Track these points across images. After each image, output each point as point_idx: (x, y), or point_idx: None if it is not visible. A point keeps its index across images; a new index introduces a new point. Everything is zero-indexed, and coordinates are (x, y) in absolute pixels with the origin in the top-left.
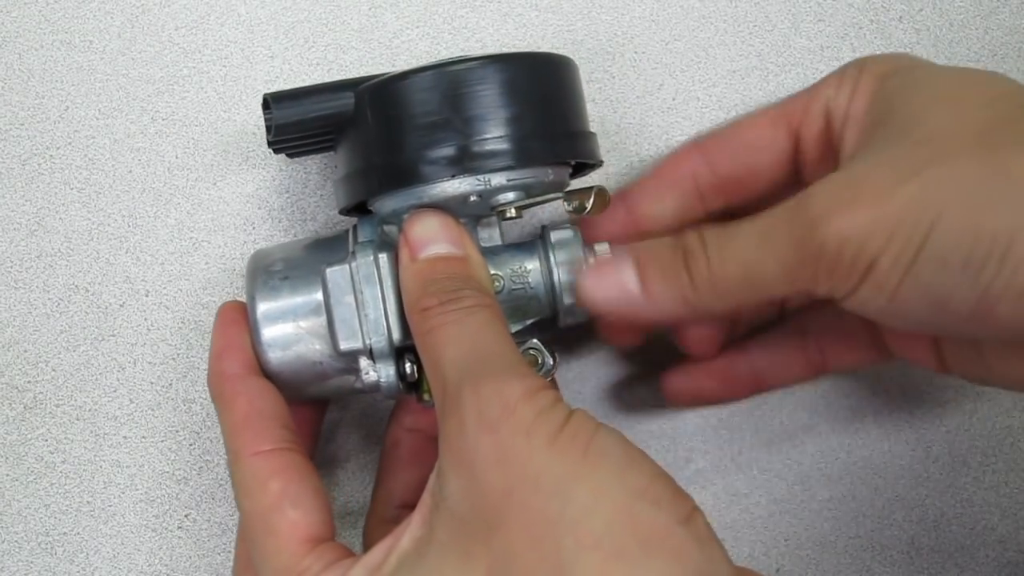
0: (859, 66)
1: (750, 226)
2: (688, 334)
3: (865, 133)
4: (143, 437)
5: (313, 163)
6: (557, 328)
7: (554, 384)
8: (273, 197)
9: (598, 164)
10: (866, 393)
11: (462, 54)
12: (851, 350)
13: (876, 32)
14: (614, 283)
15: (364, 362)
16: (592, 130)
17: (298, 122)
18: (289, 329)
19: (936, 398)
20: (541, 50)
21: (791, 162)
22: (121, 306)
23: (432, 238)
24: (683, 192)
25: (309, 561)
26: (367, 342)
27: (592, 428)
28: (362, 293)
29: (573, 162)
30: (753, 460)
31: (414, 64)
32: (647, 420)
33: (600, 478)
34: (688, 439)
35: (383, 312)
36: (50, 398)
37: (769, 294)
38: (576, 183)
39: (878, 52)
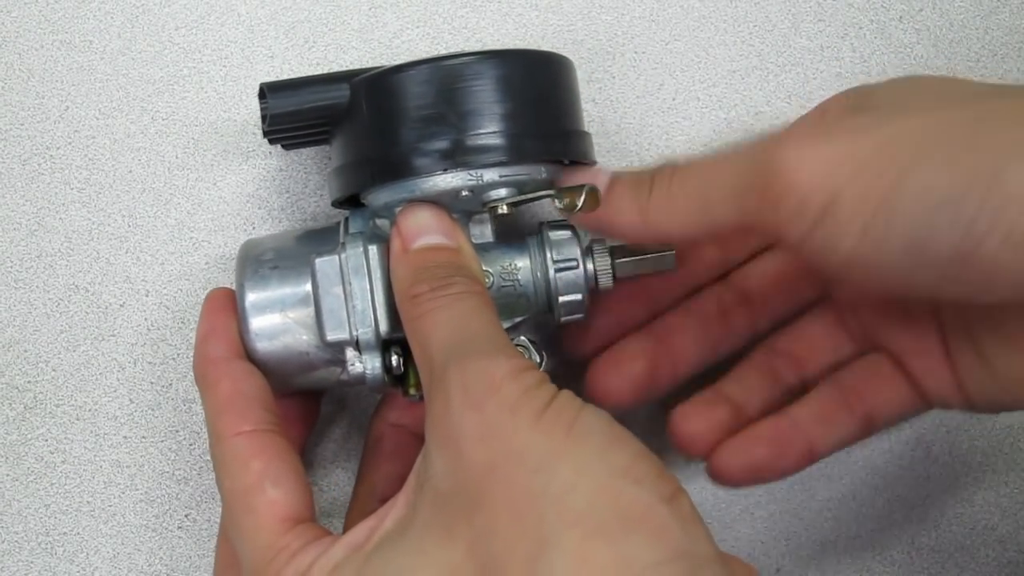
0: (821, 108)
1: (717, 153)
2: (680, 428)
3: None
4: (143, 437)
5: (313, 163)
6: (554, 327)
7: None
8: (273, 197)
9: (591, 164)
10: None
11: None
12: (891, 397)
13: (876, 32)
14: (585, 180)
15: (350, 353)
16: (587, 130)
17: (293, 112)
18: (277, 319)
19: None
20: (538, 48)
21: None
22: (121, 306)
23: (425, 229)
24: None
25: (288, 539)
26: (354, 333)
27: (577, 407)
28: (350, 284)
29: (567, 161)
30: None
31: (414, 59)
32: (647, 420)
33: (583, 455)
34: None
35: (371, 304)
36: (50, 398)
37: (717, 218)
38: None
39: (878, 53)
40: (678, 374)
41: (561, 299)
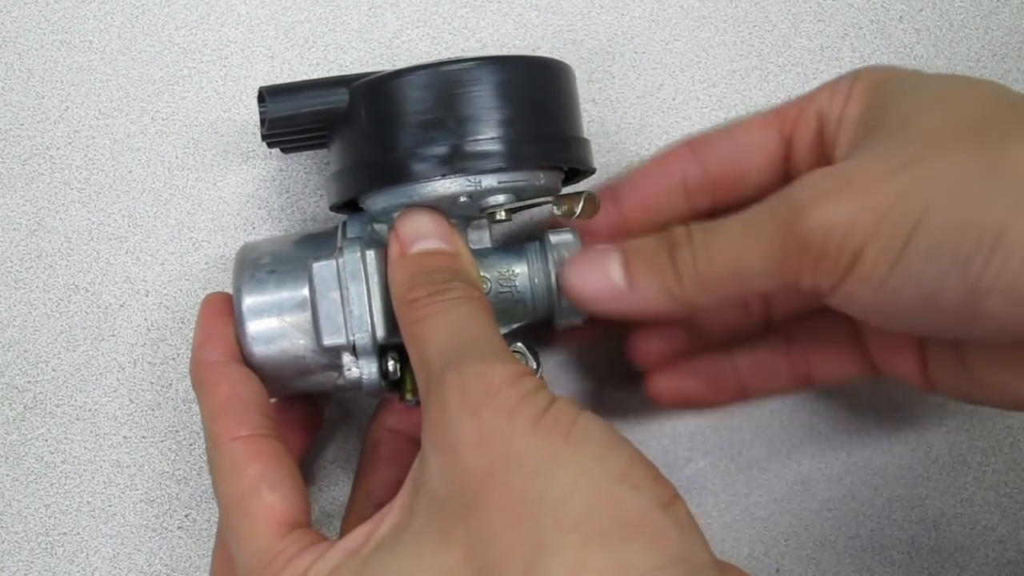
0: (854, 75)
1: (736, 218)
2: (638, 345)
3: (857, 136)
4: (143, 437)
5: (314, 164)
6: (552, 330)
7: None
8: (273, 197)
9: (591, 171)
10: (867, 393)
11: (461, 55)
12: (836, 362)
13: (876, 32)
14: (599, 274)
15: (347, 358)
16: (586, 136)
17: (292, 116)
18: (274, 323)
19: (936, 398)
20: (538, 54)
21: (781, 165)
22: (121, 306)
23: (423, 234)
24: (670, 188)
25: (284, 544)
26: (351, 338)
27: (574, 412)
28: (347, 289)
29: (566, 167)
30: (753, 460)
31: (413, 64)
32: (647, 420)
33: (581, 461)
34: (688, 439)
35: (368, 308)
36: (50, 398)
37: (755, 287)
38: (567, 188)
39: (878, 52)
40: (708, 346)
41: (563, 303)
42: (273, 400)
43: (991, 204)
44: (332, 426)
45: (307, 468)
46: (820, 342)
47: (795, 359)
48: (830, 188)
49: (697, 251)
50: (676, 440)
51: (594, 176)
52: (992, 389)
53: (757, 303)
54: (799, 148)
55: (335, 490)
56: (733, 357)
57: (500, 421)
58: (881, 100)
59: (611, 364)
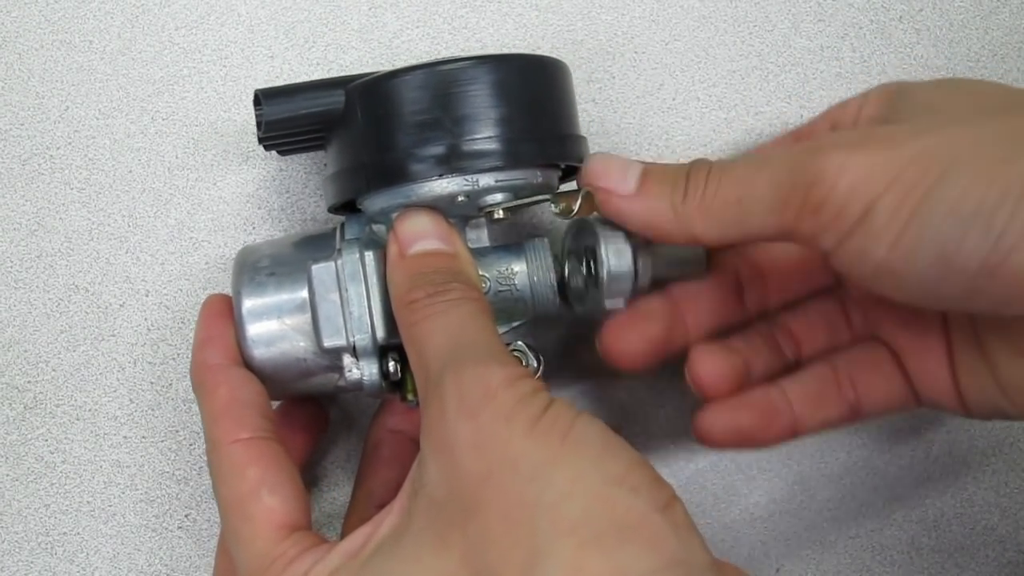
0: (867, 91)
1: (756, 154)
2: (700, 368)
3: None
4: (143, 437)
5: (313, 164)
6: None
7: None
8: (273, 197)
9: None
10: None
11: (459, 54)
12: (880, 390)
13: (876, 32)
14: (617, 170)
15: (347, 360)
16: (583, 134)
17: (288, 119)
18: (274, 326)
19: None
20: (534, 52)
21: None
22: (121, 306)
23: (421, 234)
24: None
25: (285, 547)
26: (351, 339)
27: (572, 415)
28: (347, 290)
29: (563, 165)
30: (753, 460)
31: (410, 64)
32: (646, 421)
33: (578, 464)
34: (688, 439)
35: (367, 310)
36: (50, 398)
37: (754, 225)
38: (565, 186)
39: (878, 52)
40: (688, 341)
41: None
42: (279, 402)
43: (1017, 161)
44: (333, 427)
45: (309, 470)
46: (864, 371)
47: (844, 388)
48: (852, 140)
49: (711, 174)
50: (676, 440)
51: None
52: (1016, 390)
53: (753, 291)
54: None
55: (336, 491)
56: (782, 387)
57: (497, 424)
58: (898, 98)
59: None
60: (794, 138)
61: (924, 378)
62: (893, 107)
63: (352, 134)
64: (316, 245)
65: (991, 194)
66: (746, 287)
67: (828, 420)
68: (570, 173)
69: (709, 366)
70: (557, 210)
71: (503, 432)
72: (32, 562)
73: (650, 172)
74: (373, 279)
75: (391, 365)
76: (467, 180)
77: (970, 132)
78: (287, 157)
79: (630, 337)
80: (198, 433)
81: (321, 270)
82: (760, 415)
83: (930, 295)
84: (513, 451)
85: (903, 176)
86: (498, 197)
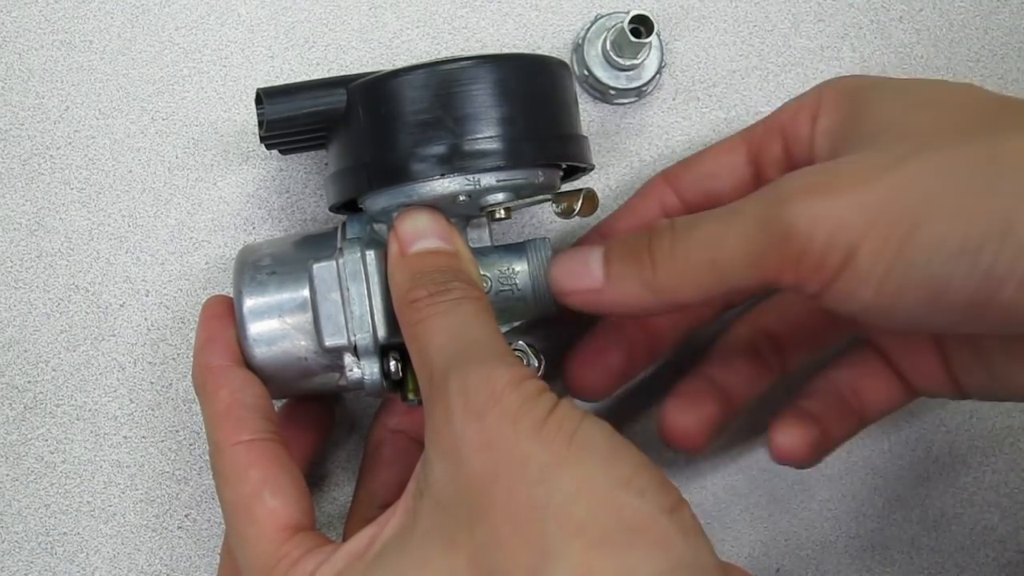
0: (819, 88)
1: (718, 210)
2: (672, 424)
3: (837, 146)
4: (143, 437)
5: (313, 163)
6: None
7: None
8: (273, 197)
9: (589, 168)
10: None
11: (459, 54)
12: (878, 391)
13: (876, 32)
14: (581, 267)
15: (348, 359)
16: (584, 133)
17: (290, 118)
18: (275, 325)
19: (936, 398)
20: (535, 52)
21: (753, 186)
22: (121, 306)
23: (422, 233)
24: (651, 221)
25: (289, 548)
26: (352, 339)
27: (578, 417)
28: (348, 290)
29: (564, 165)
30: (753, 460)
31: (411, 64)
32: (647, 420)
33: (585, 466)
34: None
35: (368, 309)
36: (50, 398)
37: (734, 281)
38: (567, 186)
39: (878, 52)
40: (655, 357)
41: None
42: (284, 401)
43: (993, 195)
44: (334, 428)
45: (311, 470)
46: (862, 378)
47: (849, 401)
48: (817, 182)
49: (676, 239)
50: None
51: (593, 174)
52: (1014, 386)
53: (771, 351)
54: (768, 169)
55: (337, 491)
56: (801, 406)
57: (504, 426)
58: (856, 108)
59: None
60: (744, 142)
61: (918, 375)
62: (852, 120)
63: (353, 133)
64: (317, 244)
65: (973, 231)
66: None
67: (849, 433)
68: (571, 173)
69: (682, 420)
70: (558, 210)
71: (510, 433)
72: (32, 562)
73: (612, 254)
74: (374, 278)
75: (392, 364)
76: (468, 180)
77: (943, 161)
78: (287, 157)
79: (592, 373)
80: (198, 433)
81: (322, 269)
82: (818, 423)
83: (922, 325)
84: (520, 453)
85: (880, 219)
86: (499, 197)
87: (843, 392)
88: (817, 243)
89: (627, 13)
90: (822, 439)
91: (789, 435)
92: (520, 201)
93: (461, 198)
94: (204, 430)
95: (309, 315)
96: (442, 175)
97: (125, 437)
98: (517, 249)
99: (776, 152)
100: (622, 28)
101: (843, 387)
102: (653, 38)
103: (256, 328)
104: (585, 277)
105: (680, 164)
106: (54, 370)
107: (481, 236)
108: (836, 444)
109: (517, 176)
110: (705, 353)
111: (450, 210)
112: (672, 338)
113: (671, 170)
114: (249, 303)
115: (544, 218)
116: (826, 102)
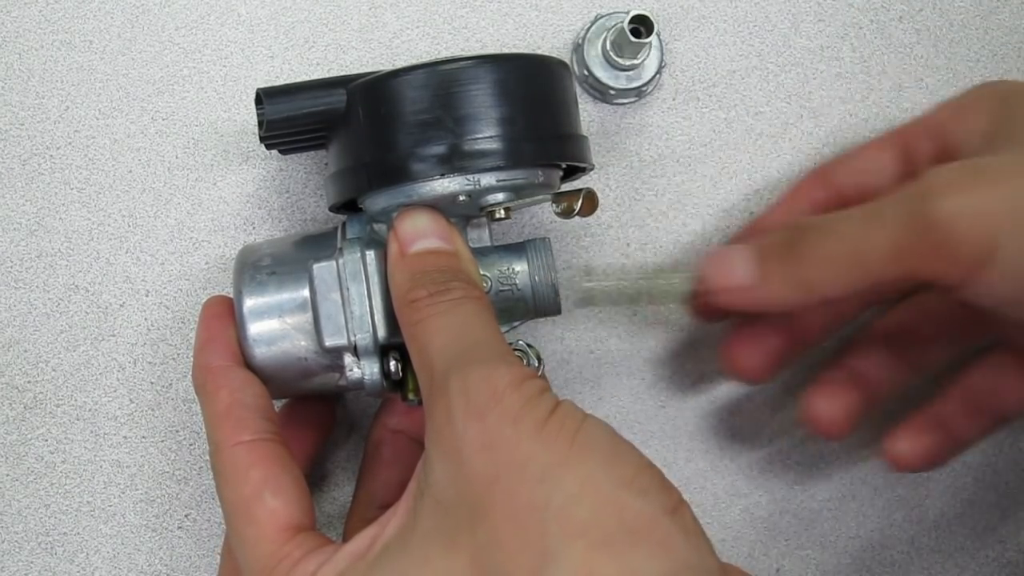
0: (974, 91)
1: (863, 206)
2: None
3: (984, 146)
4: (143, 437)
5: (313, 163)
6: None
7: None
8: (273, 197)
9: (589, 168)
10: None
11: (459, 54)
12: (1020, 395)
13: (876, 32)
14: (731, 265)
15: (348, 359)
16: (584, 133)
17: (290, 118)
18: (275, 325)
19: None
20: (535, 52)
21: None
22: (121, 306)
23: (422, 233)
24: (805, 215)
25: (289, 548)
26: (352, 339)
27: (579, 418)
28: (348, 290)
29: (564, 165)
30: (753, 460)
31: (411, 64)
32: (647, 420)
33: (587, 467)
34: (688, 439)
35: (368, 309)
36: (50, 398)
37: (877, 276)
38: (567, 186)
39: (878, 52)
40: (807, 348)
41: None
42: (284, 401)
43: None
44: (334, 427)
45: (311, 470)
46: (994, 378)
47: (987, 403)
48: (963, 177)
49: (823, 235)
50: (676, 440)
51: (593, 174)
52: None
53: (910, 347)
54: (919, 166)
55: (337, 491)
56: (935, 410)
57: (505, 426)
58: (1009, 112)
59: (612, 366)
60: (896, 139)
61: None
62: (1004, 122)
63: (353, 133)
64: (317, 244)
65: None
66: None
67: (984, 433)
68: (571, 172)
69: (826, 409)
70: (558, 210)
71: (511, 434)
72: (32, 562)
73: (762, 252)
74: (374, 278)
75: (392, 364)
76: (468, 180)
77: None
78: (287, 157)
79: (753, 352)
80: (198, 433)
81: (322, 269)
82: (938, 432)
83: None
84: (521, 453)
85: (1023, 214)
86: (499, 197)
87: (978, 392)
88: (959, 235)
89: (627, 13)
90: (945, 442)
91: (906, 443)
92: (520, 201)
93: (461, 198)
94: (204, 430)
95: (309, 315)
96: (442, 175)
97: (125, 437)
98: (517, 249)
99: (928, 150)
100: (622, 28)
101: (978, 387)
102: (653, 38)
103: (256, 328)
104: (737, 275)
105: (832, 161)
106: (54, 370)
107: (481, 236)
108: (969, 444)
109: (517, 176)
110: (846, 345)
111: (450, 210)
112: (823, 332)
113: (824, 167)
114: (249, 303)
115: (544, 218)
116: (980, 104)
